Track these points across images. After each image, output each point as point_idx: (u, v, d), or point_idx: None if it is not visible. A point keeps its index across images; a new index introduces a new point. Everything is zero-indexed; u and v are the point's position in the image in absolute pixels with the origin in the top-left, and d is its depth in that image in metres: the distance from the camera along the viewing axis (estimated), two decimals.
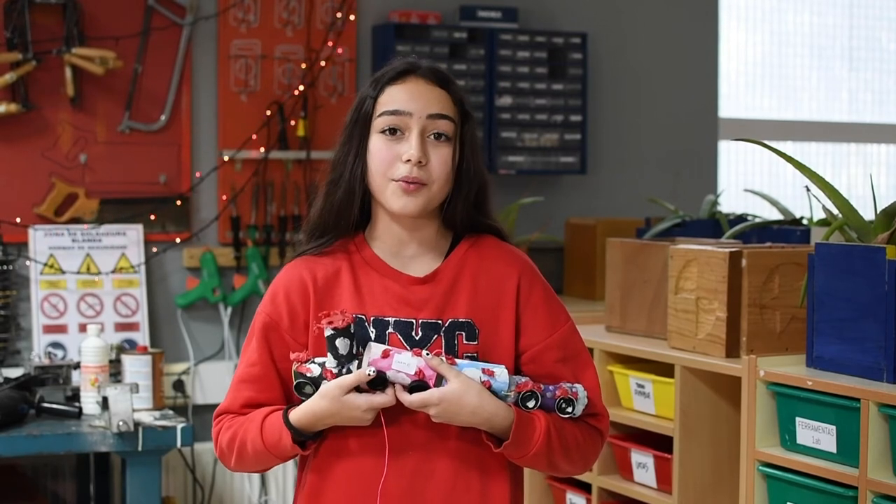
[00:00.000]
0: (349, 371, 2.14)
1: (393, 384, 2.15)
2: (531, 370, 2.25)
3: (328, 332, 2.13)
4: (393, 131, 2.21)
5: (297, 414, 2.19)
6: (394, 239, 2.27)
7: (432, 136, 2.21)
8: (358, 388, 2.14)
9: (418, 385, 2.14)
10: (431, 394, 2.13)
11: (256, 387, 2.26)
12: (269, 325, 2.26)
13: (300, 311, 2.25)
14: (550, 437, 2.20)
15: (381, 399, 2.14)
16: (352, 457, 2.22)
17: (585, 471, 2.34)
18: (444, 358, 2.16)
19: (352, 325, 2.14)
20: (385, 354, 2.14)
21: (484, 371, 2.18)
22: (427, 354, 2.15)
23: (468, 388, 2.14)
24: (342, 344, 2.13)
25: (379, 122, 2.22)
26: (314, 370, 2.16)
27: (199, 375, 4.68)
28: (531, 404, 2.20)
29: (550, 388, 2.23)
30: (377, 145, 2.22)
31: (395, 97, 2.22)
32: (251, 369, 2.26)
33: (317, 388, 2.15)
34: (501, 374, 2.18)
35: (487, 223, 2.30)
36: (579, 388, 2.24)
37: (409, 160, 2.18)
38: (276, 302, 2.26)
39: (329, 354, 2.15)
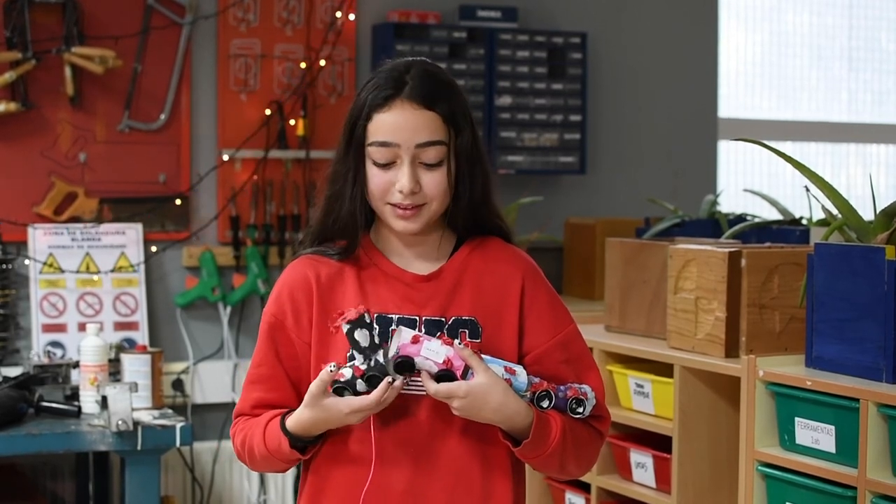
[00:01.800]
0: (376, 362, 2.13)
1: (419, 371, 2.13)
2: (534, 372, 2.25)
3: (345, 328, 2.13)
4: (385, 162, 2.20)
5: (291, 421, 2.19)
6: (397, 242, 2.28)
7: (424, 165, 2.20)
8: (357, 390, 2.14)
9: (445, 374, 2.12)
10: (459, 386, 2.12)
11: (264, 387, 2.26)
12: (273, 325, 2.26)
13: (304, 308, 2.25)
14: (565, 437, 2.21)
15: (362, 402, 2.12)
16: (352, 458, 2.21)
17: (586, 473, 2.35)
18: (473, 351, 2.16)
19: (366, 315, 2.12)
20: (415, 340, 2.13)
21: (506, 369, 2.18)
22: (458, 344, 2.15)
23: (495, 385, 2.14)
24: (361, 336, 2.13)
25: (370, 151, 2.21)
26: (346, 374, 2.13)
27: (199, 375, 4.68)
28: (545, 404, 2.20)
29: (562, 388, 2.23)
30: (372, 172, 2.21)
31: (382, 127, 2.19)
32: (258, 370, 2.28)
33: (353, 390, 2.13)
34: (521, 373, 2.19)
35: (493, 222, 2.30)
36: (587, 388, 2.24)
37: (401, 191, 2.18)
38: (280, 301, 2.27)
39: (353, 351, 2.14)
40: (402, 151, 2.19)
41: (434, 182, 2.20)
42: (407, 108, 2.21)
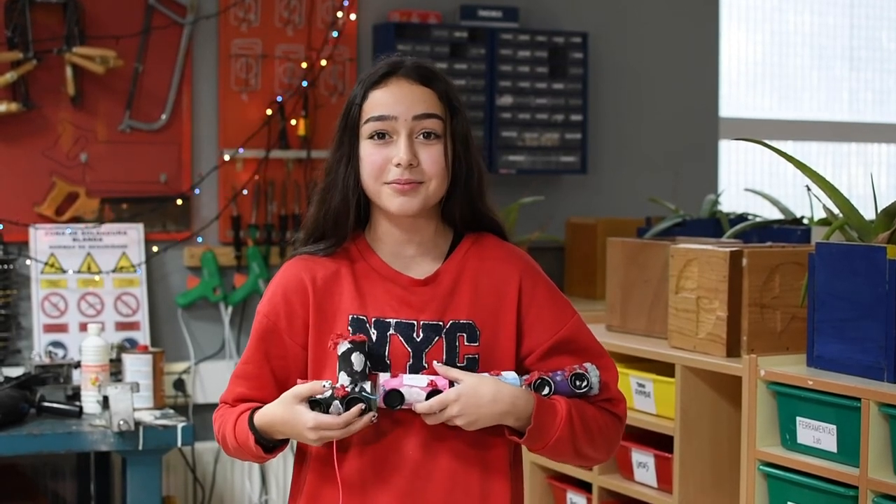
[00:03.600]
0: (362, 389, 2.11)
1: (410, 404, 2.13)
2: (542, 368, 2.24)
3: (343, 348, 2.10)
4: (381, 135, 2.19)
5: (259, 413, 2.20)
6: (394, 240, 2.25)
7: (421, 136, 2.19)
8: (329, 411, 2.12)
9: (433, 394, 2.13)
10: (448, 393, 2.12)
11: (249, 384, 2.26)
12: (266, 327, 2.25)
13: (299, 311, 2.23)
14: (572, 418, 2.18)
15: (329, 421, 2.10)
16: (343, 482, 2.19)
17: (609, 457, 2.30)
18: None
19: (367, 344, 2.12)
20: (394, 376, 2.14)
21: (491, 373, 2.18)
22: (435, 363, 2.15)
23: (482, 379, 2.14)
24: (357, 359, 2.10)
25: (366, 129, 2.20)
26: (325, 392, 2.13)
27: (200, 375, 4.68)
28: (545, 392, 2.18)
29: (558, 372, 2.21)
30: (367, 151, 2.20)
31: (379, 102, 2.20)
32: (245, 367, 2.27)
33: (326, 409, 2.12)
34: (508, 372, 2.18)
35: (488, 217, 2.29)
36: (587, 364, 2.22)
37: (399, 164, 2.17)
38: (274, 302, 2.25)
39: (342, 372, 2.11)
40: (398, 125, 2.18)
41: (431, 158, 2.18)
42: (403, 83, 2.21)
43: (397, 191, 2.17)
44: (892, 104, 6.42)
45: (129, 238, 4.56)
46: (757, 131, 5.80)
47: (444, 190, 2.22)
